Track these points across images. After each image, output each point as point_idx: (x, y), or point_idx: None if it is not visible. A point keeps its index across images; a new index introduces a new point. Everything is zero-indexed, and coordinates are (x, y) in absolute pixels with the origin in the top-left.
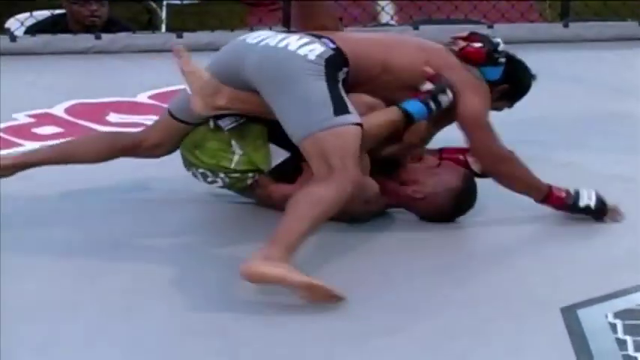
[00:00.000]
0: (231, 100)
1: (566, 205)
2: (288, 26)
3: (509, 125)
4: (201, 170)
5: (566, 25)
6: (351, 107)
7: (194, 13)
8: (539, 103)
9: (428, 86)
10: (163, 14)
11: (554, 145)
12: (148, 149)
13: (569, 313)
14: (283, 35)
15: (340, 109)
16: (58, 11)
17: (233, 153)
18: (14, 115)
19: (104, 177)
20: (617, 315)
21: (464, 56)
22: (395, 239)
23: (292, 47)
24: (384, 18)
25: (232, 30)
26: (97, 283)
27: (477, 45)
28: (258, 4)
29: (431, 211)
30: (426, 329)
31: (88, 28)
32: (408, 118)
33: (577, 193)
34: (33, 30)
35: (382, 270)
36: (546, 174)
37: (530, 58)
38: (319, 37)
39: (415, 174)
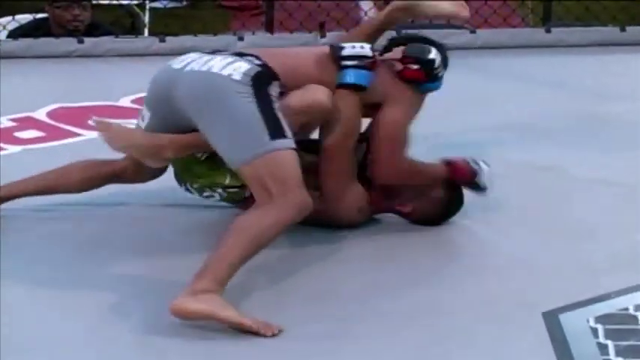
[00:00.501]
0: (177, 150)
1: (468, 182)
2: (271, 30)
3: (491, 129)
4: (196, 185)
5: (548, 31)
6: (285, 129)
7: (177, 17)
8: (521, 107)
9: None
10: (146, 18)
11: (536, 149)
12: (131, 177)
13: (551, 318)
14: (208, 57)
15: (276, 132)
16: (40, 15)
17: (226, 169)
18: None
19: None
20: (598, 319)
21: (403, 78)
22: (378, 243)
23: (216, 69)
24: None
25: (215, 34)
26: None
27: (414, 67)
28: (241, 9)
29: (420, 219)
30: (408, 333)
31: (70, 32)
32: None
33: (477, 172)
34: (15, 34)
35: (366, 275)
36: (529, 178)
37: (512, 63)
38: (243, 54)
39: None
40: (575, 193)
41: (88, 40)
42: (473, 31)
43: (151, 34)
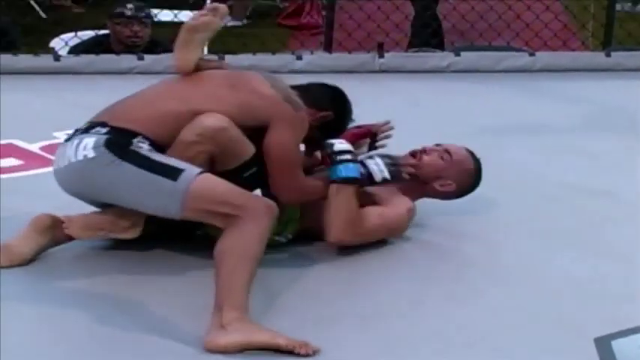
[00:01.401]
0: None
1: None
2: (329, 50)
3: (546, 152)
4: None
5: (608, 54)
6: (173, 164)
7: (237, 35)
8: (579, 131)
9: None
10: None
11: (591, 173)
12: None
13: (603, 344)
14: (64, 147)
15: (172, 173)
16: (102, 31)
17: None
18: (55, 134)
19: None
20: None
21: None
22: (415, 260)
23: (73, 159)
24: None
25: (274, 53)
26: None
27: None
28: (300, 28)
29: (454, 195)
30: (461, 355)
31: (130, 49)
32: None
33: (367, 171)
34: (77, 50)
35: (410, 292)
36: (582, 201)
37: (571, 86)
38: (89, 128)
39: (433, 167)
40: (628, 219)
41: (148, 57)
42: (532, 54)
43: (210, 52)
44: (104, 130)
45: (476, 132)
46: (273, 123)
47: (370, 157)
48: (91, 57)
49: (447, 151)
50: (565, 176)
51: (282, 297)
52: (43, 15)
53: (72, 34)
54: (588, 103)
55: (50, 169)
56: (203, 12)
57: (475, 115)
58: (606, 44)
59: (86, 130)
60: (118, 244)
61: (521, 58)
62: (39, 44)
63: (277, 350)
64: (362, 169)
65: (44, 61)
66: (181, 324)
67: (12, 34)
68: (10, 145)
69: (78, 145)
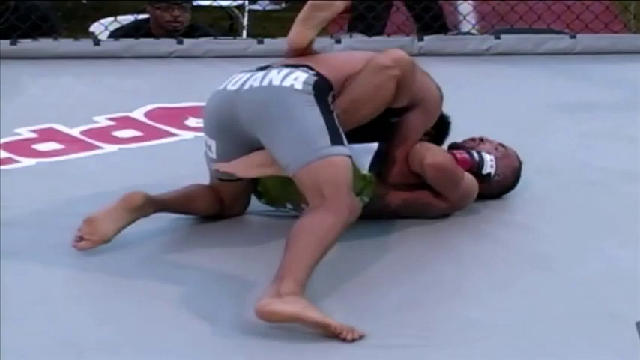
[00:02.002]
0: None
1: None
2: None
3: (586, 135)
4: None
5: None
6: (343, 137)
7: (276, 19)
8: (619, 114)
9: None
10: (245, 20)
11: (631, 158)
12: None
13: None
14: (262, 72)
15: (336, 139)
16: (141, 16)
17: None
18: (95, 118)
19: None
20: None
21: None
22: (459, 249)
23: (276, 81)
24: (466, 27)
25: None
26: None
27: None
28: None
29: (497, 189)
30: (492, 344)
31: (170, 33)
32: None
33: (481, 160)
34: (117, 34)
35: (451, 281)
36: (621, 186)
37: (612, 69)
38: (297, 65)
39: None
40: None
41: (187, 41)
42: (573, 37)
43: (249, 35)
44: (312, 72)
45: (516, 116)
46: (421, 104)
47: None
48: (131, 41)
49: (502, 145)
50: (606, 161)
51: (325, 279)
52: (84, 0)
53: (111, 18)
54: (630, 86)
55: (90, 153)
56: None
57: (515, 98)
58: None
59: (295, 66)
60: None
61: (562, 41)
62: (79, 29)
63: (325, 330)
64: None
65: (84, 45)
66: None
67: (52, 19)
68: (51, 129)
69: (288, 74)
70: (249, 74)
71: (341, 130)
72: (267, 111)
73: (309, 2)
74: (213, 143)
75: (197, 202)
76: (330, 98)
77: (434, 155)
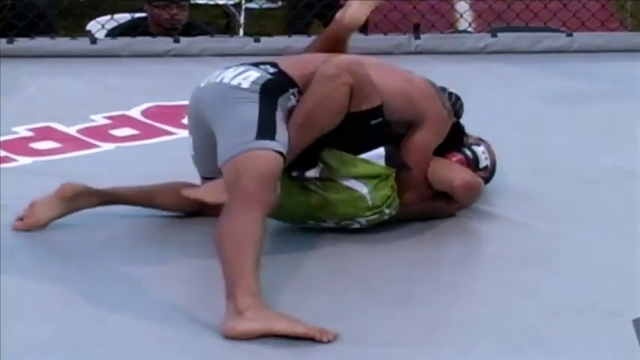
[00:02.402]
0: None
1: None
2: (365, 32)
3: (584, 133)
4: (334, 220)
5: None
6: (279, 134)
7: (272, 17)
8: (617, 112)
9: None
10: (242, 18)
11: (629, 155)
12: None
13: None
14: (226, 71)
15: (264, 133)
16: (138, 14)
17: (362, 193)
18: (92, 117)
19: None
20: None
21: None
22: (446, 247)
23: (227, 79)
24: (462, 25)
25: (309, 35)
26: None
27: None
28: (336, 8)
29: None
30: (492, 340)
31: (167, 32)
32: None
33: (475, 155)
34: (113, 33)
35: (440, 278)
36: (620, 183)
37: (609, 67)
38: (260, 64)
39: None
40: None
41: (184, 40)
42: (569, 35)
43: (245, 34)
44: (272, 70)
45: (513, 114)
46: (426, 122)
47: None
48: (128, 40)
49: (481, 139)
50: (604, 159)
51: (313, 276)
52: None
53: (109, 17)
54: (627, 84)
55: (87, 151)
56: None
57: (512, 97)
58: None
59: (256, 64)
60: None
61: (559, 39)
62: (76, 27)
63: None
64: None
65: (81, 44)
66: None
67: (49, 18)
68: (48, 128)
69: (242, 72)
70: (220, 70)
71: (277, 127)
72: (214, 107)
73: None
74: (191, 139)
75: (161, 196)
76: (286, 97)
77: (460, 175)
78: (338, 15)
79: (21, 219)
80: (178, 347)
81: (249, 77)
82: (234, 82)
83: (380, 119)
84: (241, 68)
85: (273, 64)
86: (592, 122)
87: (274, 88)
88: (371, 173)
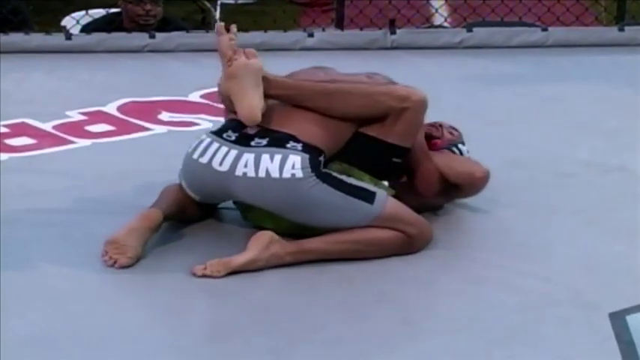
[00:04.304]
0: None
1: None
2: (341, 27)
3: (560, 128)
4: None
5: (621, 29)
6: (362, 184)
7: (248, 13)
8: (592, 106)
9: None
10: (217, 13)
11: (605, 149)
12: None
13: (618, 319)
14: (251, 154)
15: (367, 197)
16: (113, 10)
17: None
18: (67, 113)
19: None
20: None
21: None
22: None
23: (275, 173)
24: (438, 20)
25: (285, 30)
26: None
27: None
28: (311, 5)
29: None
30: (469, 335)
31: (142, 27)
32: None
33: (461, 153)
34: (88, 28)
35: (424, 275)
36: (597, 178)
37: (584, 61)
38: (282, 139)
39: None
40: None
41: (159, 35)
42: (545, 29)
43: None
44: (299, 146)
45: (488, 109)
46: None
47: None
48: (103, 35)
49: (453, 127)
50: (579, 153)
51: (306, 275)
52: None
53: (83, 12)
54: (601, 79)
55: (63, 147)
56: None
57: (487, 91)
58: (619, 19)
59: (279, 142)
60: None
61: (534, 34)
62: (51, 23)
63: None
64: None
65: (56, 39)
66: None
67: (24, 14)
68: (23, 124)
69: (283, 160)
70: (234, 150)
71: (356, 182)
72: (285, 207)
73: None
74: (196, 196)
75: (188, 210)
76: (322, 163)
77: (478, 167)
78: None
79: (112, 259)
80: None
81: (295, 164)
82: (287, 175)
83: (400, 161)
84: (277, 154)
85: (294, 138)
86: (567, 116)
87: (317, 160)
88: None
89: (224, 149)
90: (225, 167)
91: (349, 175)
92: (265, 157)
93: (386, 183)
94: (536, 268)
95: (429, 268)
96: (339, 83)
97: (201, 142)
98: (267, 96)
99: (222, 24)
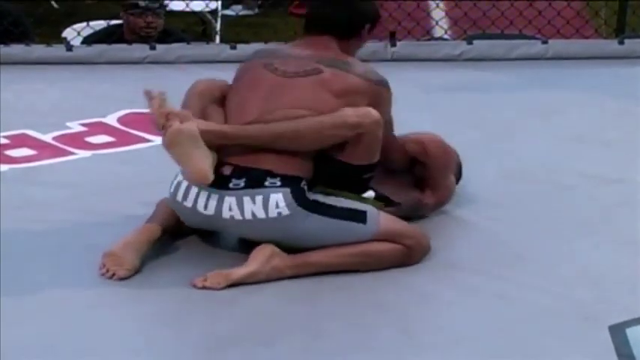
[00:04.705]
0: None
1: None
2: None
3: (561, 140)
4: None
5: (621, 42)
6: (350, 203)
7: (248, 25)
8: (592, 118)
9: None
10: (218, 25)
11: (606, 161)
12: None
13: (618, 332)
14: (232, 198)
15: (358, 217)
16: (114, 21)
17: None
18: (68, 124)
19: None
20: None
21: None
22: (434, 255)
23: (261, 214)
24: (438, 32)
25: (286, 42)
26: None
27: None
28: (304, 16)
29: None
30: (468, 348)
31: (143, 39)
32: None
33: None
34: (89, 40)
35: (425, 285)
36: (598, 189)
37: (584, 74)
38: (260, 178)
39: None
40: None
41: (160, 47)
42: (545, 42)
43: (222, 41)
44: (278, 181)
45: (488, 121)
46: (374, 107)
47: None
48: (103, 47)
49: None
50: (579, 165)
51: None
52: (56, 5)
53: (84, 24)
54: (601, 91)
55: (63, 159)
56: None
57: (487, 103)
58: (619, 32)
59: (256, 182)
60: None
61: (534, 46)
62: (52, 35)
63: None
64: None
65: (57, 51)
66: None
67: (25, 25)
68: (23, 135)
69: (265, 199)
70: (214, 194)
71: (343, 203)
72: (280, 240)
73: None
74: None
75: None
76: (306, 190)
77: (426, 135)
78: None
79: (109, 271)
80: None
81: (278, 202)
82: (273, 214)
83: (372, 174)
84: (257, 195)
85: (270, 173)
86: (567, 128)
87: (300, 190)
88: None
89: (204, 193)
90: (210, 211)
91: (336, 195)
92: (247, 200)
93: (371, 193)
94: (535, 280)
95: (429, 279)
96: (284, 121)
97: (179, 183)
98: (219, 147)
99: (150, 90)
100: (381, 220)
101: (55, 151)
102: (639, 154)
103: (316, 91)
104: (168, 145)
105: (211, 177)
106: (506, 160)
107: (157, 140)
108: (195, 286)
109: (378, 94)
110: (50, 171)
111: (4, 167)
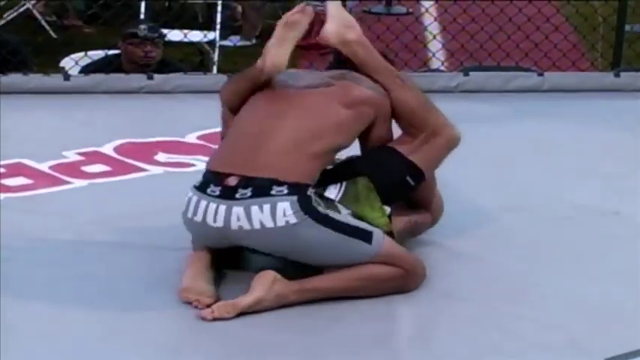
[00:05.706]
0: (360, 37)
1: None
2: None
3: (556, 172)
4: None
5: (617, 75)
6: (358, 223)
7: (247, 55)
8: (588, 151)
9: None
10: (215, 56)
11: (601, 194)
12: None
13: None
14: (240, 207)
15: (364, 236)
16: (112, 51)
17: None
18: (64, 153)
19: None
20: None
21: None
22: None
23: (269, 223)
24: (435, 64)
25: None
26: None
27: None
28: (309, 48)
29: None
30: None
31: (141, 68)
32: None
33: None
34: (87, 69)
35: (422, 313)
36: (594, 222)
37: (580, 106)
38: (266, 187)
39: None
40: (639, 240)
41: (158, 77)
42: (541, 74)
43: (219, 71)
44: (284, 189)
45: (484, 152)
46: (380, 120)
47: None
48: (101, 76)
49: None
50: (575, 197)
51: None
52: (54, 35)
53: (82, 53)
54: (597, 124)
55: (59, 188)
56: (295, 11)
57: (483, 135)
58: (615, 65)
59: (263, 191)
60: None
61: (530, 79)
62: (50, 64)
63: None
64: None
65: (54, 80)
66: None
67: (23, 54)
68: (19, 164)
69: (272, 208)
70: (222, 206)
71: (353, 221)
72: (286, 250)
73: (282, 22)
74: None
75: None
76: (314, 199)
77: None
78: (258, 63)
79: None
80: None
81: (285, 210)
82: (281, 223)
83: (414, 185)
84: (265, 204)
85: (277, 182)
86: (563, 160)
87: (306, 197)
88: (376, 223)
89: (213, 205)
90: (219, 223)
91: (366, 200)
92: (255, 209)
93: (388, 209)
94: (531, 312)
95: (423, 309)
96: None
97: (190, 200)
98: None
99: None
100: (385, 243)
101: (51, 180)
102: (636, 187)
103: (326, 101)
104: (291, 23)
105: (283, 68)
106: (502, 191)
107: (154, 170)
108: (204, 319)
109: (386, 107)
110: (46, 200)
111: (0, 196)
